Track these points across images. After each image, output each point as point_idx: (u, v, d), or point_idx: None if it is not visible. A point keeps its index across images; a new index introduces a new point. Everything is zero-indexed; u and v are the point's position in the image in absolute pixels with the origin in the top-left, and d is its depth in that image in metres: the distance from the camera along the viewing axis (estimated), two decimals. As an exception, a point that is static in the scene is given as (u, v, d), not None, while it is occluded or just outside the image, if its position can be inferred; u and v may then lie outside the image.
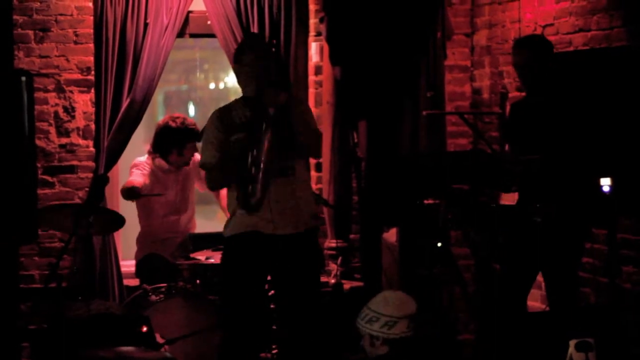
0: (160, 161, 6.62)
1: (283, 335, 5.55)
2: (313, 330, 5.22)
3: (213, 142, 5.27)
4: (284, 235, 5.19)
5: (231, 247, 5.28)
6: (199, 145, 5.88)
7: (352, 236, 6.99)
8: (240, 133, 5.20)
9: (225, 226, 5.31)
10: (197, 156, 6.57)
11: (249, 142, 5.12)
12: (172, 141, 6.56)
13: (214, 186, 5.71)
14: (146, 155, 6.67)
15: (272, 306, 5.86)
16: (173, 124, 6.53)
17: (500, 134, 6.69)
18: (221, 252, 5.46)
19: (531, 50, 5.41)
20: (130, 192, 6.44)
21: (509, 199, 5.86)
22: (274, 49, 6.73)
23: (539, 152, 5.29)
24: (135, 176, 6.54)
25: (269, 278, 5.38)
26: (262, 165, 5.07)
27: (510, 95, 6.64)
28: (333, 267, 6.60)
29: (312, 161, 6.93)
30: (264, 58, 5.27)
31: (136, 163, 6.63)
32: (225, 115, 5.30)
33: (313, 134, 5.27)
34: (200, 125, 6.36)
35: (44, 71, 6.65)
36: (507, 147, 5.97)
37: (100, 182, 6.57)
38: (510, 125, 5.71)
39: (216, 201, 6.94)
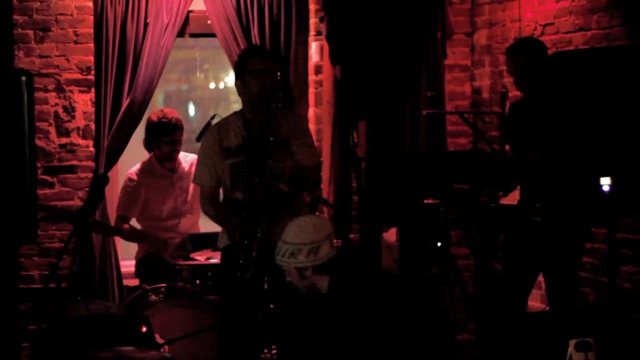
0: (152, 166, 6.53)
1: (281, 336, 5.55)
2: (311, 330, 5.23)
3: (208, 164, 5.34)
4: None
5: (229, 256, 5.31)
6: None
7: (352, 236, 6.98)
8: (236, 157, 5.23)
9: (220, 238, 5.36)
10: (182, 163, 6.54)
11: (246, 166, 5.16)
12: (150, 137, 6.49)
13: (206, 214, 5.59)
14: (138, 165, 6.59)
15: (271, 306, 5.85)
16: (153, 118, 6.46)
17: (501, 134, 6.69)
18: (220, 252, 5.48)
19: (527, 54, 5.40)
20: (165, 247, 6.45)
21: (509, 198, 5.85)
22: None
23: (538, 152, 5.28)
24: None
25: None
26: (261, 196, 5.11)
27: (510, 94, 6.63)
28: (333, 266, 6.59)
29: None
30: (267, 68, 5.27)
31: (127, 176, 6.55)
32: (224, 133, 5.31)
33: (311, 165, 5.33)
34: (199, 125, 6.34)
35: (44, 71, 6.65)
36: (507, 147, 5.97)
37: (100, 182, 6.56)
38: (509, 125, 5.70)
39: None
